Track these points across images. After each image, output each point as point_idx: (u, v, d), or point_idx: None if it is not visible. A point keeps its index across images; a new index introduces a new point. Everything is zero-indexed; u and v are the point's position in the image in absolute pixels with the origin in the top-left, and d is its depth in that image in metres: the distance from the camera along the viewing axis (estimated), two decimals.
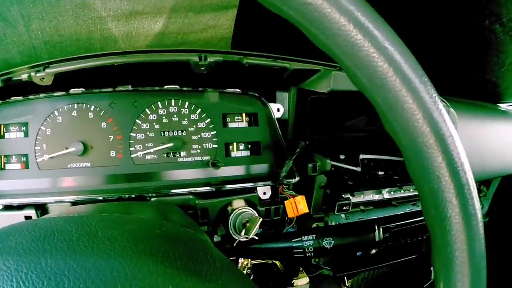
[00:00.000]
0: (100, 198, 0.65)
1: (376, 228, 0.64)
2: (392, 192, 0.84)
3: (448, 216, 0.28)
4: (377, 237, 0.63)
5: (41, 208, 0.67)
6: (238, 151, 0.73)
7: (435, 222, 0.28)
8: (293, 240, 0.61)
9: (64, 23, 0.65)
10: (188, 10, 0.66)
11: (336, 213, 0.78)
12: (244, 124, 0.73)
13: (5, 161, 0.71)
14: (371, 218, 0.84)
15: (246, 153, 0.73)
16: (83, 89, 0.70)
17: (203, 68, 0.68)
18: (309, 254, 0.64)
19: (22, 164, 0.70)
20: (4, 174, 0.70)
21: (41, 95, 0.70)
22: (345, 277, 0.88)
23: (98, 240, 0.31)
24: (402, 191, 0.85)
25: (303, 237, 0.62)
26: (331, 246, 0.63)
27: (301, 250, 0.62)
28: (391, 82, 0.26)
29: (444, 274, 0.29)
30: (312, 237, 0.63)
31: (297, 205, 0.73)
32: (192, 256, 0.33)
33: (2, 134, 0.71)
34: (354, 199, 0.80)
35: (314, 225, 0.82)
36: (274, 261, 0.76)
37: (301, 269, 0.79)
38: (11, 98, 0.71)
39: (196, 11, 0.66)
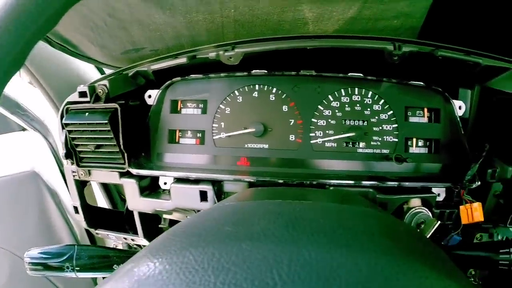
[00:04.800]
0: (281, 181, 0.64)
1: None
2: None
3: None
4: None
5: (218, 185, 0.67)
6: (417, 148, 0.69)
7: None
8: (500, 251, 0.56)
9: (260, 2, 0.64)
10: None
11: (508, 225, 0.72)
12: (425, 120, 0.69)
13: (180, 135, 0.72)
14: None
15: (424, 150, 0.69)
16: (266, 71, 0.69)
17: (395, 58, 0.64)
18: None
19: (198, 139, 0.71)
20: (178, 148, 0.71)
21: (222, 74, 0.70)
22: None
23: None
24: None
25: (511, 249, 0.57)
26: None
27: (507, 263, 0.57)
28: None
29: None
30: None
31: (473, 212, 0.68)
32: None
33: (179, 109, 0.72)
34: None
35: (478, 235, 0.76)
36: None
37: None
38: (190, 75, 0.72)
39: None
